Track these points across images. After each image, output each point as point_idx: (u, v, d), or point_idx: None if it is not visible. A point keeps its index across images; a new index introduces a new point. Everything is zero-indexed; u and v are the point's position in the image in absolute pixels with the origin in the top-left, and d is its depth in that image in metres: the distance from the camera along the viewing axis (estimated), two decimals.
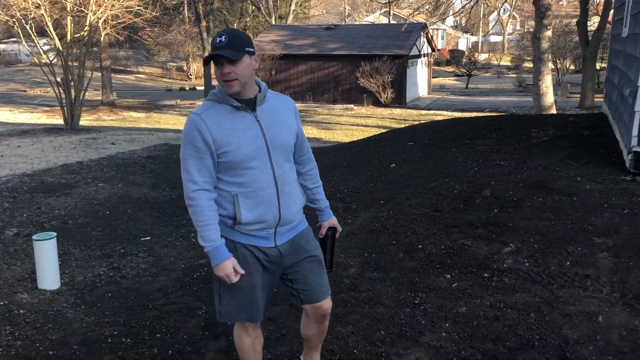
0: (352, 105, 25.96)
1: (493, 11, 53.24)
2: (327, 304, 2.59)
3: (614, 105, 8.26)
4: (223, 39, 2.23)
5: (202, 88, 33.03)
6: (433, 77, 35.27)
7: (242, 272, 2.35)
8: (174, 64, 44.09)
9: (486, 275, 4.00)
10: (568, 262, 4.02)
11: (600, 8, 22.09)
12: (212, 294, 4.05)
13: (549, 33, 14.87)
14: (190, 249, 5.05)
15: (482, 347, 3.18)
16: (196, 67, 41.17)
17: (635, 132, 5.53)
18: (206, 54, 33.66)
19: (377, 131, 14.15)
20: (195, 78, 40.89)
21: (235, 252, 2.39)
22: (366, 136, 12.52)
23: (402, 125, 15.99)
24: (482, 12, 57.25)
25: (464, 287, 3.86)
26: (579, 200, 4.92)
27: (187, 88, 36.13)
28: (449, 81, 38.93)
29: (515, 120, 9.36)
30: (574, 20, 25.71)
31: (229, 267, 2.31)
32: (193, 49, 39.44)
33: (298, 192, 2.49)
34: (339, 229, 2.71)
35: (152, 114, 22.98)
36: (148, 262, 4.79)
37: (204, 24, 32.95)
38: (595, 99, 20.81)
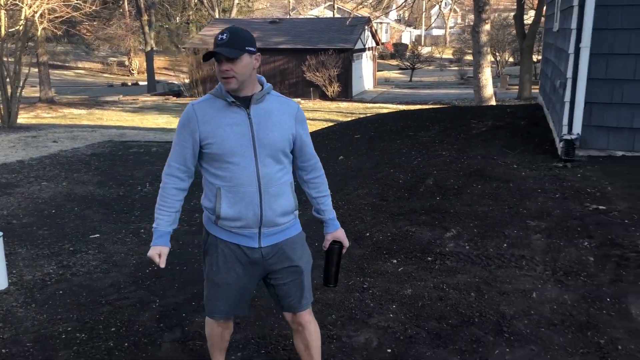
0: (299, 99, 26.06)
1: (435, 5, 54.33)
2: (304, 316, 2.58)
3: (547, 96, 8.70)
4: (224, 37, 2.27)
5: (145, 83, 32.38)
6: (378, 71, 35.78)
7: (162, 265, 2.39)
8: (115, 59, 42.97)
9: (430, 259, 4.22)
10: (505, 244, 4.29)
11: (536, 2, 22.97)
12: (165, 287, 4.12)
13: (487, 27, 15.41)
14: (141, 245, 5.06)
15: (426, 325, 3.38)
16: (138, 62, 40.24)
17: (565, 121, 5.89)
18: (148, 48, 32.86)
19: (325, 124, 14.32)
20: (138, 73, 39.99)
21: (215, 249, 2.45)
22: (314, 130, 12.67)
23: (349, 119, 16.22)
24: (424, 6, 58.35)
25: (410, 270, 4.06)
26: (515, 187, 5.22)
27: (130, 84, 35.33)
28: (394, 74, 39.60)
29: (457, 112, 9.71)
30: (512, 14, 26.65)
31: (153, 251, 2.39)
32: (134, 43, 38.56)
33: (287, 196, 2.42)
34: (346, 243, 2.61)
35: (94, 110, 22.39)
36: (98, 259, 4.78)
37: (145, 17, 32.29)
38: (533, 90, 21.70)
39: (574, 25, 5.71)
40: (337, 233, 2.60)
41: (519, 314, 3.47)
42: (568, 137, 5.83)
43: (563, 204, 4.81)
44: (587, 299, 3.57)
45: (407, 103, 23.57)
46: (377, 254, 4.36)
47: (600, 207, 4.68)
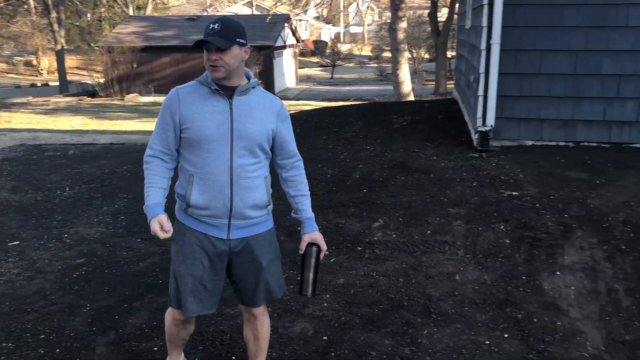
0: None
1: (352, 2, 55.21)
2: (258, 309, 2.59)
3: (462, 90, 9.15)
4: (216, 27, 2.26)
5: (57, 84, 30.87)
6: (299, 68, 35.99)
7: (169, 228, 2.28)
8: (22, 59, 40.64)
9: (359, 248, 4.37)
10: (429, 231, 4.51)
11: (449, 0, 23.91)
12: (94, 291, 4.03)
13: (404, 24, 15.89)
14: (66, 250, 4.90)
15: (359, 311, 3.52)
16: (48, 61, 38.29)
17: (479, 113, 6.24)
18: (58, 47, 31.28)
19: None
20: (48, 73, 38.03)
21: (182, 237, 2.42)
22: None
23: None
24: (342, 4, 59.15)
25: (341, 261, 4.19)
26: (435, 177, 5.49)
27: (39, 84, 33.54)
28: (315, 72, 39.97)
29: (378, 108, 10.01)
30: (426, 12, 27.58)
31: (154, 224, 2.27)
32: (42, 41, 36.64)
33: (260, 190, 2.40)
34: (324, 247, 2.51)
35: (1, 113, 21.12)
36: (20, 266, 4.58)
37: (53, 14, 30.77)
38: (448, 86, 22.60)
39: (485, 22, 6.05)
40: (314, 234, 2.51)
41: (444, 295, 3.68)
42: (482, 128, 6.18)
43: (480, 191, 5.11)
44: (504, 278, 3.84)
45: (329, 100, 23.89)
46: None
47: (514, 193, 5.01)
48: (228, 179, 2.32)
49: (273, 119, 2.41)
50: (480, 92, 6.21)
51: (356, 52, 47.58)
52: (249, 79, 2.40)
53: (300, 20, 53.54)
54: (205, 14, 42.94)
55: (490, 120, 6.17)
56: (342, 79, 35.68)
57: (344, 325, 3.38)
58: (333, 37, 60.88)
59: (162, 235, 2.27)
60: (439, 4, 25.53)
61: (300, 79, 34.83)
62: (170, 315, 2.61)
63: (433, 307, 3.55)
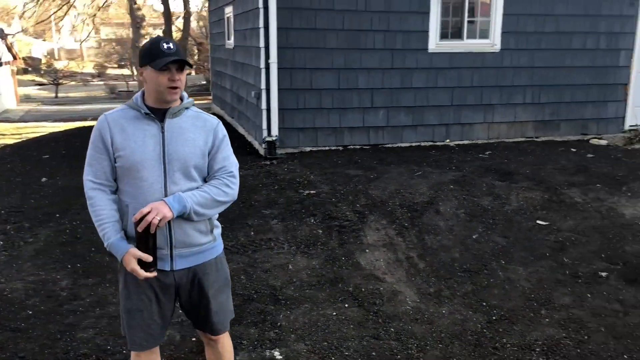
0: None
1: (65, 16, 51.59)
2: (221, 338, 2.55)
3: (229, 105, 9.75)
4: (172, 46, 2.18)
5: None
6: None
7: (150, 258, 2.13)
8: None
9: None
10: (252, 232, 4.96)
11: (181, 21, 24.38)
12: None
13: (145, 41, 15.84)
14: None
15: None
16: None
17: (265, 125, 6.90)
18: None
19: None
20: None
21: (125, 272, 2.26)
22: None
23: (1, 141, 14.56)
24: (52, 18, 54.74)
25: None
26: (241, 184, 5.93)
27: None
28: (34, 91, 36.25)
29: None
30: (161, 29, 27.54)
31: (131, 262, 2.14)
32: None
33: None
34: (160, 216, 2.11)
35: None
36: None
37: None
38: (203, 102, 22.93)
39: (262, 44, 6.74)
40: (155, 203, 2.16)
41: (285, 283, 4.18)
42: (269, 139, 6.85)
43: (283, 193, 5.75)
44: (328, 261, 4.51)
45: (65, 120, 22.04)
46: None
47: (312, 191, 5.78)
48: None
49: (208, 139, 2.29)
50: (264, 106, 6.88)
51: (77, 69, 44.65)
52: (181, 99, 2.31)
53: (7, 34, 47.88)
54: None
55: (275, 131, 6.88)
56: (69, 97, 33.02)
57: None
58: (46, 54, 55.92)
59: (143, 273, 2.15)
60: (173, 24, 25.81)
61: (21, 99, 31.33)
62: (134, 354, 2.45)
63: (280, 295, 4.02)
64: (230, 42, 9.31)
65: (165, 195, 2.21)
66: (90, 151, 2.26)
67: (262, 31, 6.71)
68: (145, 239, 2.15)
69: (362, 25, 6.97)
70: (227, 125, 9.49)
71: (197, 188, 2.27)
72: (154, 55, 2.17)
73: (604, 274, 4.35)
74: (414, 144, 7.54)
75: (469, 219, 5.27)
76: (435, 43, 7.31)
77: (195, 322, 2.53)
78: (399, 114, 7.35)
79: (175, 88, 2.20)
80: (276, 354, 3.36)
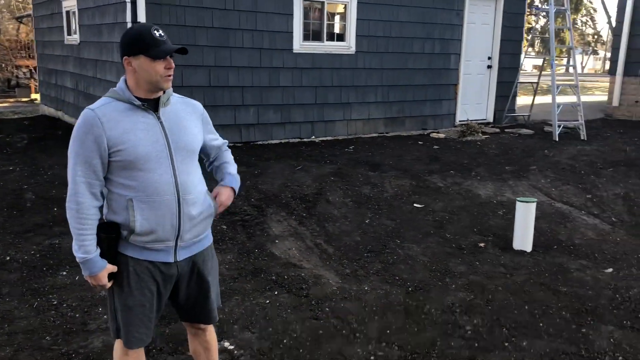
0: None
1: None
2: (210, 327, 2.55)
3: (72, 106, 9.04)
4: (163, 33, 2.11)
5: None
6: None
7: (115, 269, 2.17)
8: None
9: None
10: None
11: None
12: None
13: None
14: None
15: None
16: None
17: None
18: None
19: None
20: None
21: (126, 267, 2.19)
22: None
23: None
24: None
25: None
26: None
27: None
28: None
29: None
30: None
31: (104, 278, 2.14)
32: None
33: (205, 202, 2.28)
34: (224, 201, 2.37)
35: None
36: None
37: None
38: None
39: None
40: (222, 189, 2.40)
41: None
42: None
43: None
44: (242, 254, 4.55)
45: None
46: (45, 266, 4.10)
47: None
48: (175, 198, 2.16)
49: (200, 124, 2.33)
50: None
51: None
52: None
53: None
54: None
55: None
56: None
57: None
58: None
59: (108, 285, 2.18)
60: None
61: None
62: (119, 348, 2.36)
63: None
64: (74, 38, 8.64)
65: (176, 185, 2.17)
66: (77, 149, 2.10)
67: (129, 26, 6.40)
68: (115, 243, 2.18)
69: (230, 24, 7.02)
70: (68, 128, 8.78)
71: (222, 158, 2.47)
72: (148, 44, 2.11)
73: (481, 244, 5.03)
74: (283, 141, 7.79)
75: (357, 206, 5.66)
76: (299, 44, 7.64)
77: (189, 313, 2.46)
78: (268, 111, 7.53)
79: (171, 75, 2.18)
80: (226, 344, 3.35)
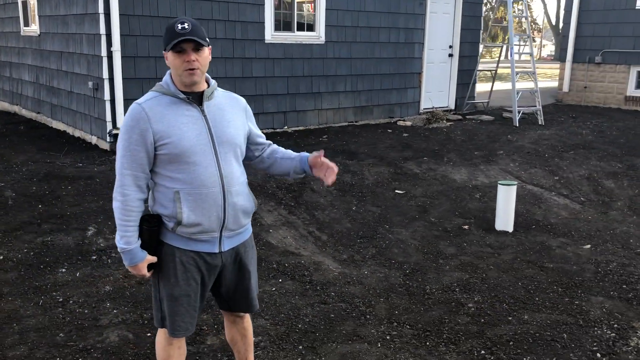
0: None
1: None
2: (247, 315, 2.61)
3: (30, 99, 8.75)
4: (186, 26, 2.10)
5: None
6: None
7: (155, 259, 2.24)
8: None
9: (94, 257, 4.23)
10: None
11: None
12: None
13: None
14: None
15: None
16: None
17: (109, 118, 6.46)
18: None
19: None
20: None
21: (172, 259, 2.23)
22: None
23: None
24: None
25: (83, 274, 4.02)
26: (106, 183, 5.55)
27: None
28: None
29: None
30: None
31: (144, 269, 2.21)
32: None
33: (247, 196, 2.33)
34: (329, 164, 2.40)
35: None
36: None
37: None
38: None
39: (103, 31, 6.28)
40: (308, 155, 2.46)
41: None
42: (117, 131, 6.43)
43: None
44: None
45: None
46: (41, 264, 4.02)
47: None
48: (220, 189, 2.20)
49: (244, 118, 2.36)
50: (107, 97, 6.43)
51: None
52: (208, 81, 2.28)
53: None
54: None
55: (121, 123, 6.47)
56: None
57: None
58: None
59: (148, 275, 2.26)
60: None
61: None
62: (163, 338, 2.41)
63: None
64: (32, 29, 8.33)
65: (221, 178, 2.21)
66: (125, 142, 2.15)
67: (102, 17, 6.25)
68: (157, 235, 2.24)
69: (203, 14, 6.96)
70: (28, 122, 8.51)
71: (278, 152, 2.49)
72: (170, 38, 2.13)
73: (465, 226, 5.25)
74: None
75: (342, 194, 5.78)
76: (270, 34, 7.65)
77: (231, 302, 2.51)
78: None
79: (193, 69, 2.13)
80: None
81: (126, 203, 2.15)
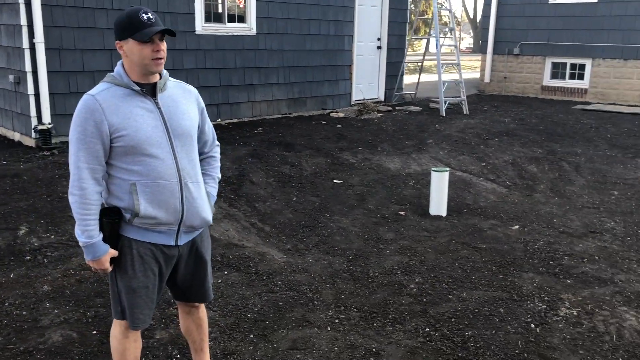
0: None
1: None
2: (201, 306, 2.59)
3: None
4: (151, 16, 2.09)
5: None
6: None
7: (116, 253, 2.21)
8: None
9: (28, 257, 4.07)
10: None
11: None
12: None
13: None
14: None
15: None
16: None
17: (34, 113, 6.18)
18: None
19: None
20: None
21: (130, 251, 2.21)
22: None
23: None
24: None
25: (21, 274, 3.86)
26: (33, 180, 5.31)
27: None
28: None
29: None
30: None
31: (107, 262, 2.19)
32: None
33: (203, 188, 2.33)
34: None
35: None
36: None
37: None
38: None
39: (24, 21, 5.98)
40: None
41: None
42: (42, 127, 6.16)
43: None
44: None
45: None
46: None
47: None
48: (177, 182, 2.21)
49: (196, 109, 2.33)
50: (30, 91, 6.14)
51: None
52: (160, 73, 2.23)
53: None
54: None
55: (48, 118, 6.21)
56: None
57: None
58: None
59: (109, 269, 2.23)
60: None
61: None
62: (118, 331, 2.36)
63: None
64: None
65: (178, 170, 2.21)
66: (80, 135, 2.10)
67: (22, 7, 5.95)
68: (117, 228, 2.22)
69: (131, 5, 6.75)
70: None
71: (206, 169, 2.45)
72: (135, 27, 2.10)
73: (402, 213, 5.43)
74: None
75: (281, 185, 5.82)
76: (201, 25, 7.54)
77: (186, 292, 2.50)
78: None
79: (160, 59, 2.14)
80: None
81: (84, 197, 2.12)
